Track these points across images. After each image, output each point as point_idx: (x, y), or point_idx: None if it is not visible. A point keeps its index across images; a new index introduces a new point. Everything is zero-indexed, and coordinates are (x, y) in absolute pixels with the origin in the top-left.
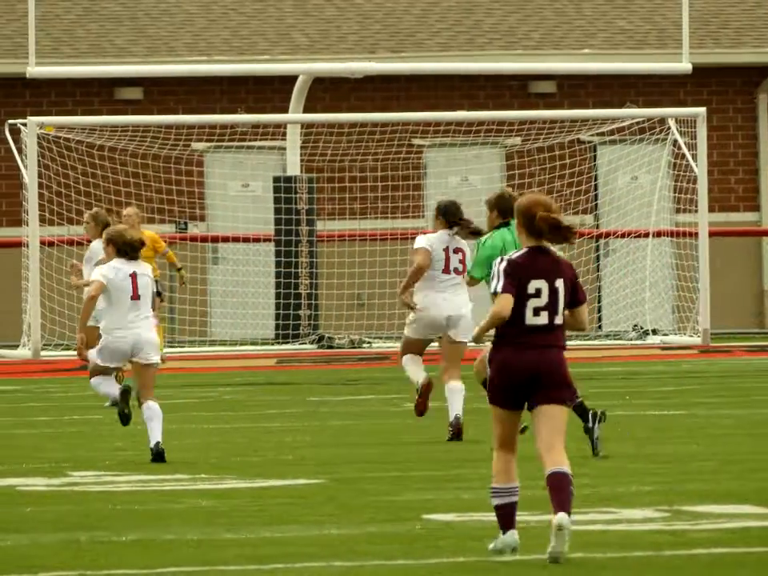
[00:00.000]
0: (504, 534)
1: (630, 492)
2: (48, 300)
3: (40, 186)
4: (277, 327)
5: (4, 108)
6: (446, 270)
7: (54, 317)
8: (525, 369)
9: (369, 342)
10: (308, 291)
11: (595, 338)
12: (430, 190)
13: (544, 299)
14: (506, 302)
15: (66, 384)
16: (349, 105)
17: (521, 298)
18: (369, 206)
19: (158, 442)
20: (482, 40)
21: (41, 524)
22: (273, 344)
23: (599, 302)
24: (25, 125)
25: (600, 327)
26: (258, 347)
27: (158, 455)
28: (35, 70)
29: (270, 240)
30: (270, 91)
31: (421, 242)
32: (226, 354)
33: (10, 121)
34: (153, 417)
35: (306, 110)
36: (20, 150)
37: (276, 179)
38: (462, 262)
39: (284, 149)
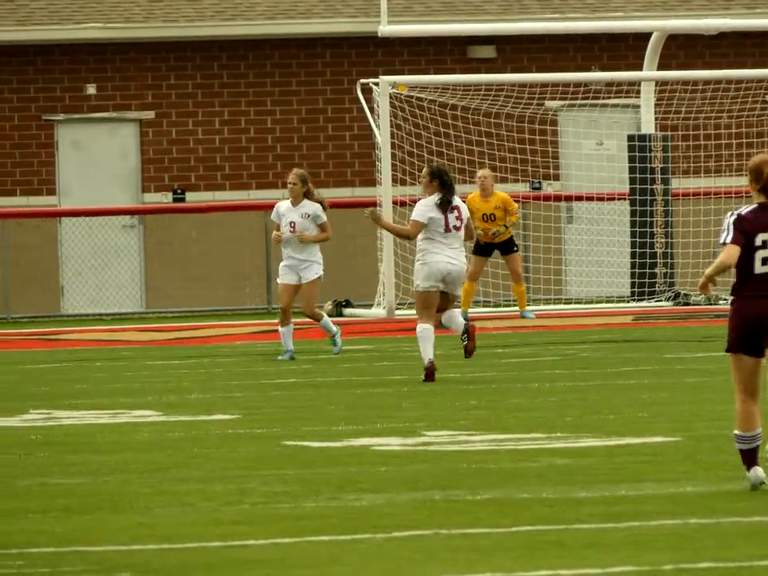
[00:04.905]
0: (748, 471)
1: None
2: (402, 260)
3: (392, 145)
4: (632, 285)
5: (356, 67)
6: (447, 230)
7: (408, 276)
8: (759, 317)
9: (726, 299)
10: (663, 249)
11: None
12: None
13: None
14: (734, 252)
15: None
16: (703, 62)
17: (749, 250)
18: (723, 163)
19: None
20: None
21: (395, 483)
22: (628, 301)
23: None
24: (377, 84)
25: None
26: (614, 305)
27: None
28: (387, 28)
29: (624, 198)
30: (624, 48)
31: (415, 214)
32: (581, 311)
33: (362, 80)
34: None
35: (660, 67)
36: (372, 110)
37: (630, 137)
38: (459, 218)
39: (638, 106)
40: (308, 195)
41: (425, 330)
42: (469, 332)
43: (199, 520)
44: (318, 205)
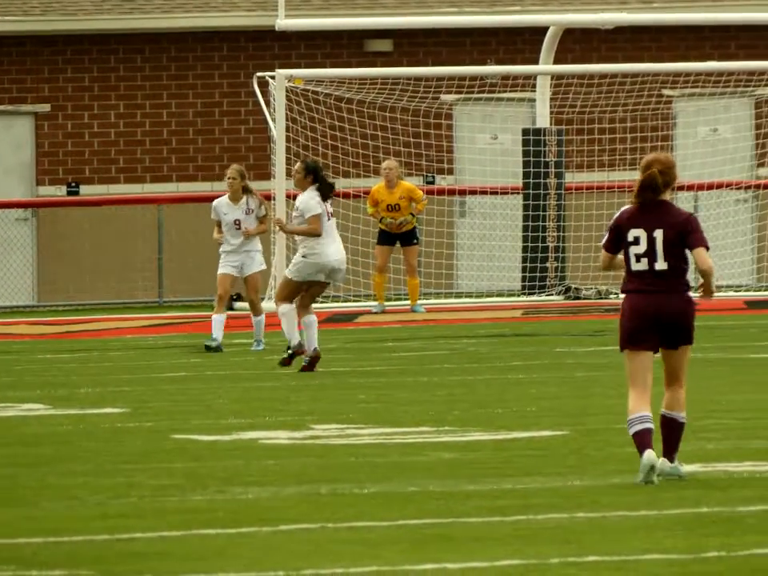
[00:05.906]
0: (641, 455)
1: None
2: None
3: (287, 139)
4: (523, 279)
5: (252, 61)
6: (328, 218)
7: None
8: (641, 312)
9: (616, 293)
10: (555, 243)
11: None
12: (679, 140)
13: (642, 246)
14: (604, 256)
15: None
16: (599, 56)
17: (625, 246)
18: (617, 157)
19: None
20: None
21: (282, 477)
22: (519, 295)
23: None
24: (273, 78)
25: None
26: (505, 299)
27: None
28: (284, 22)
29: (517, 192)
30: (521, 42)
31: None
32: (472, 305)
33: (259, 74)
34: None
35: (556, 61)
36: (268, 104)
37: (525, 131)
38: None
39: (533, 100)
40: (246, 190)
41: (290, 309)
42: (312, 361)
43: (86, 513)
44: (257, 200)
